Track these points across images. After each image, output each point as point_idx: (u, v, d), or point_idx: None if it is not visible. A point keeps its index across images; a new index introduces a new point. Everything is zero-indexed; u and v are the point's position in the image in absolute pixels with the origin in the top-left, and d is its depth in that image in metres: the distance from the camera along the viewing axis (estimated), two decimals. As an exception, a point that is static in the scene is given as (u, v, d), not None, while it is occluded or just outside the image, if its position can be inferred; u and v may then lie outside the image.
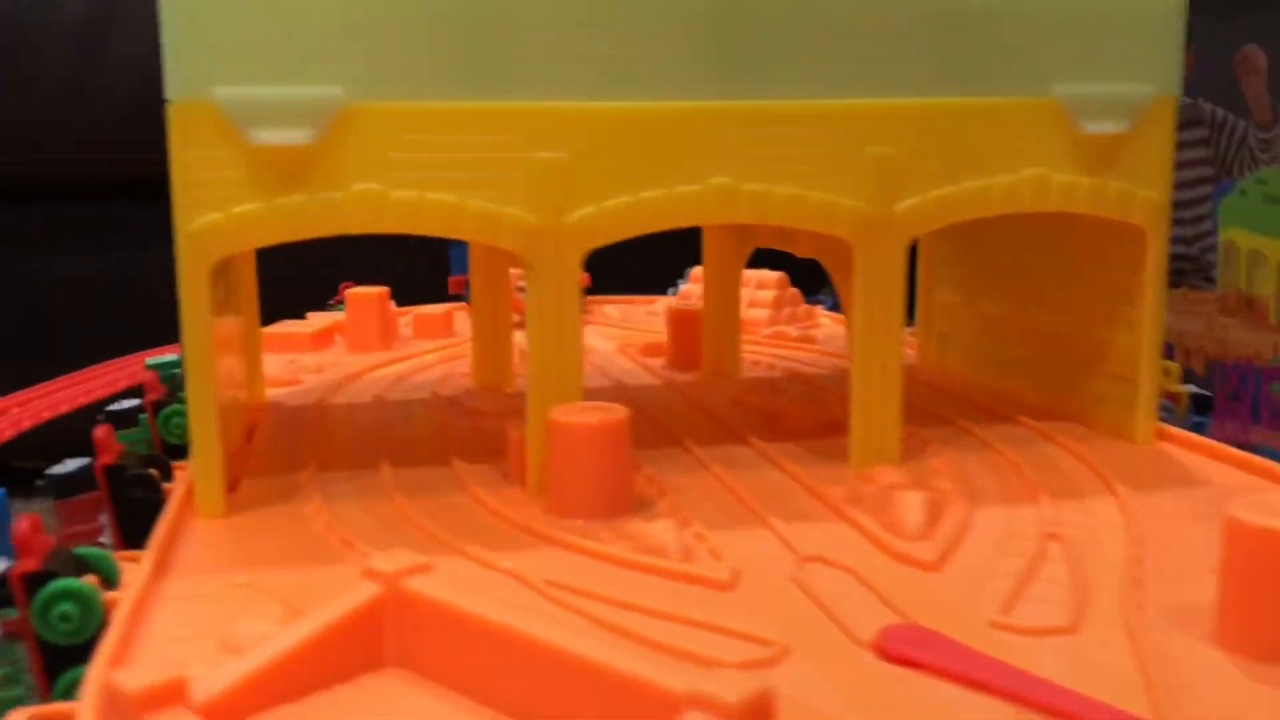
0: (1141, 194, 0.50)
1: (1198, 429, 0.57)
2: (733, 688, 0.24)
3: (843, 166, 0.47)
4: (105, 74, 1.10)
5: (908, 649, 0.32)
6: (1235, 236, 1.02)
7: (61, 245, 1.15)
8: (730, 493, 0.46)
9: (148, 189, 1.02)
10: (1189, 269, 1.07)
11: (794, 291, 0.88)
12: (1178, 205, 1.08)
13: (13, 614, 0.35)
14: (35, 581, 0.35)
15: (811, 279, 0.92)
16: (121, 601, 0.35)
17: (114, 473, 0.46)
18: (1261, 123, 0.96)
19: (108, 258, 1.17)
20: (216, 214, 0.42)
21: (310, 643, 0.29)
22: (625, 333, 0.85)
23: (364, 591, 0.31)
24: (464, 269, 0.75)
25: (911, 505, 0.42)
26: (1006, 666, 0.31)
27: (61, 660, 0.35)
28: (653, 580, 0.38)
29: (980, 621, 0.34)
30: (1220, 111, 1.01)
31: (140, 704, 0.26)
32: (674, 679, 0.25)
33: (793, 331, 0.82)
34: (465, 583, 0.38)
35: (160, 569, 0.38)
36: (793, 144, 0.46)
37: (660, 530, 0.40)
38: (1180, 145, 1.10)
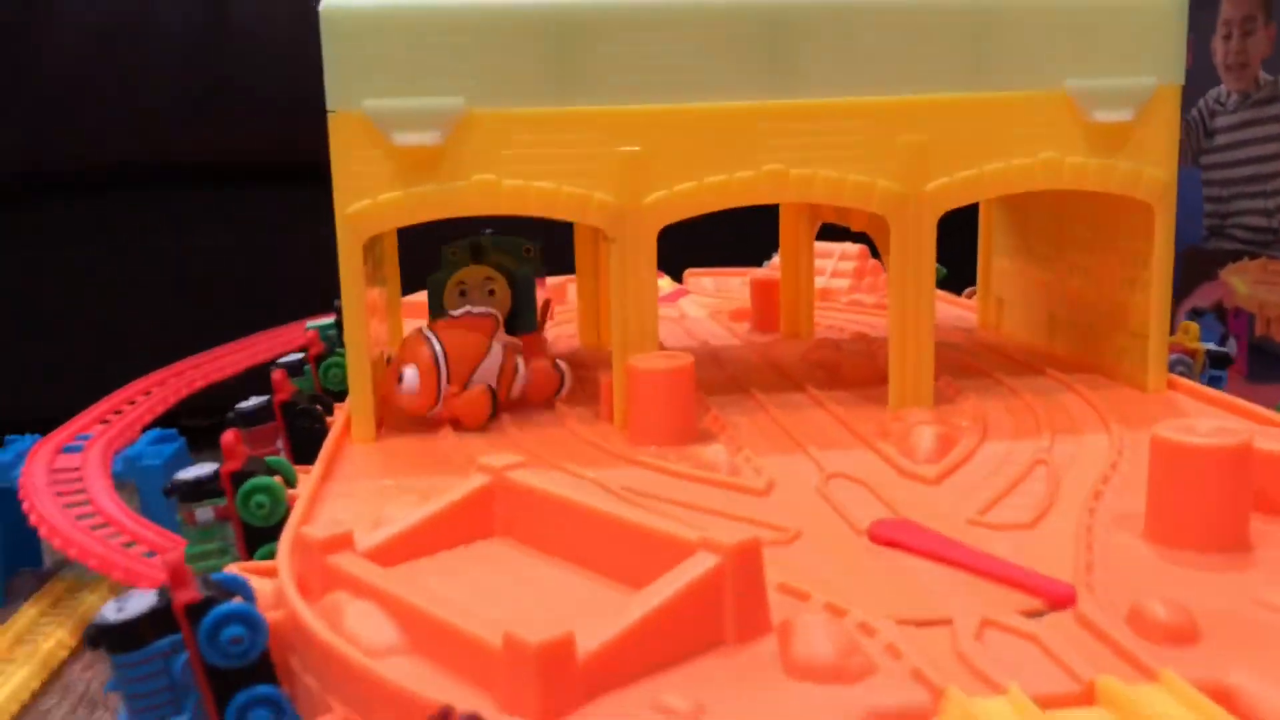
0: (1148, 173, 0.57)
1: (1214, 383, 0.64)
2: (729, 534, 0.34)
3: (877, 153, 0.55)
4: (249, 77, 1.25)
5: (892, 534, 0.41)
6: (1311, 208, 1.05)
7: (211, 225, 1.31)
8: (780, 428, 0.56)
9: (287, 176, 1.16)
10: (1270, 240, 1.10)
11: (874, 263, 0.96)
12: (1258, 179, 1.12)
13: (222, 502, 0.47)
14: (238, 479, 0.46)
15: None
16: (300, 495, 0.46)
17: (288, 407, 0.58)
18: (1335, 98, 0.99)
19: (248, 236, 1.33)
20: (367, 200, 0.53)
21: (439, 514, 0.40)
22: (718, 301, 0.94)
23: (477, 480, 0.41)
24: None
25: (925, 436, 0.51)
26: (966, 547, 0.40)
27: (258, 538, 0.46)
28: (706, 489, 0.48)
29: (960, 520, 0.43)
30: (1297, 87, 1.04)
31: (321, 549, 0.37)
32: (689, 532, 0.35)
33: (869, 299, 0.90)
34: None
35: (326, 475, 0.50)
36: (834, 134, 0.55)
37: (715, 452, 0.50)
38: (1260, 121, 1.14)
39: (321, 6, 0.51)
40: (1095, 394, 0.59)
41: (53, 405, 1.18)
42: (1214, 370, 0.65)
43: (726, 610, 0.33)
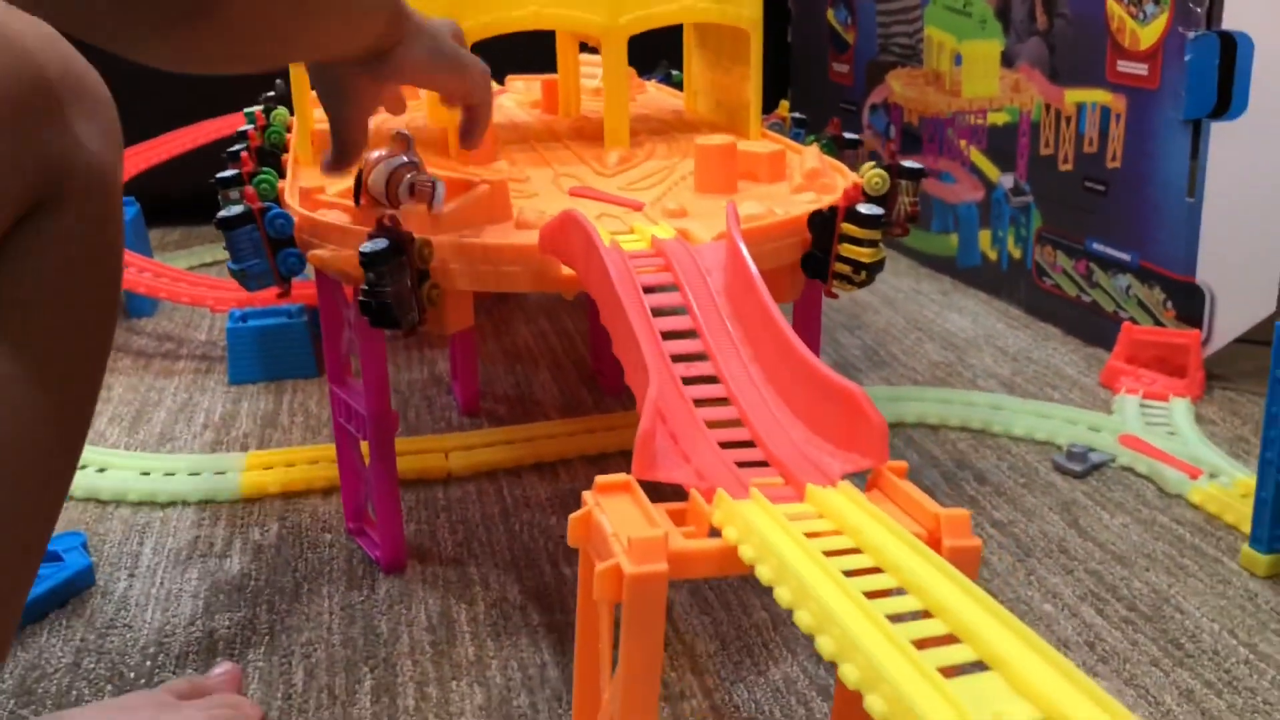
0: (743, 14, 1.03)
1: (796, 137, 1.11)
2: (496, 179, 0.79)
3: (594, 3, 0.99)
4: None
5: (579, 191, 0.87)
6: (931, 32, 1.54)
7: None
8: (542, 158, 1.01)
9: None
10: (911, 55, 1.59)
11: (631, 69, 1.40)
12: (903, 10, 1.59)
13: (243, 186, 0.89)
14: (251, 175, 0.89)
15: (648, 62, 1.45)
16: (285, 182, 0.90)
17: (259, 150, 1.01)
18: (942, -45, 1.46)
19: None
20: (304, 27, 0.94)
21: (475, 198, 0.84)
22: (525, 96, 1.38)
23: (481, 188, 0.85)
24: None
25: (612, 156, 0.97)
26: (611, 194, 0.86)
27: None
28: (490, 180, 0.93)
29: (616, 188, 0.89)
30: (924, -54, 1.51)
31: (311, 191, 0.81)
32: (479, 178, 0.80)
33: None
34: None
35: (294, 174, 0.93)
36: (567, -9, 0.99)
37: (501, 165, 0.95)
38: (904, -31, 1.59)
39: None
40: (716, 134, 1.06)
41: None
42: (796, 129, 1.13)
43: (494, 208, 0.79)
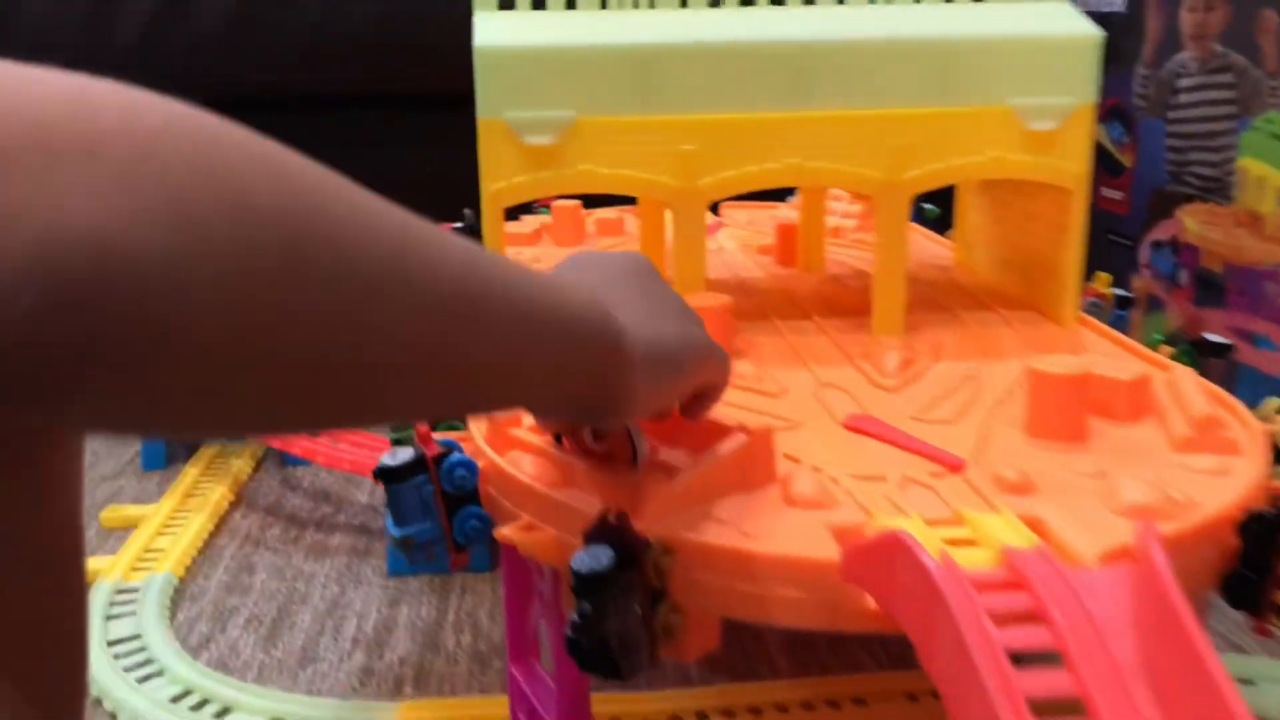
0: (1067, 168, 0.78)
1: (1118, 321, 0.85)
2: (756, 424, 0.56)
3: (869, 150, 0.76)
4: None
5: (860, 425, 0.64)
6: (1249, 164, 1.25)
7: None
8: (790, 347, 0.78)
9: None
10: (1215, 188, 1.30)
11: (877, 205, 1.16)
12: (1208, 135, 1.31)
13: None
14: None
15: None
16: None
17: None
18: (1271, 73, 1.18)
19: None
20: (504, 182, 0.74)
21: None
22: (748, 234, 1.16)
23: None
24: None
25: (892, 358, 0.73)
26: (905, 434, 0.62)
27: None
28: (739, 393, 0.70)
29: (906, 416, 0.65)
30: (1243, 61, 1.23)
31: (502, 425, 0.60)
32: (732, 422, 0.57)
33: (870, 238, 1.11)
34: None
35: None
36: (836, 136, 0.76)
37: (744, 366, 0.72)
38: (1212, 86, 1.33)
39: (475, 46, 0.72)
40: (1026, 328, 0.80)
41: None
42: (1119, 310, 0.86)
43: (753, 470, 0.56)
